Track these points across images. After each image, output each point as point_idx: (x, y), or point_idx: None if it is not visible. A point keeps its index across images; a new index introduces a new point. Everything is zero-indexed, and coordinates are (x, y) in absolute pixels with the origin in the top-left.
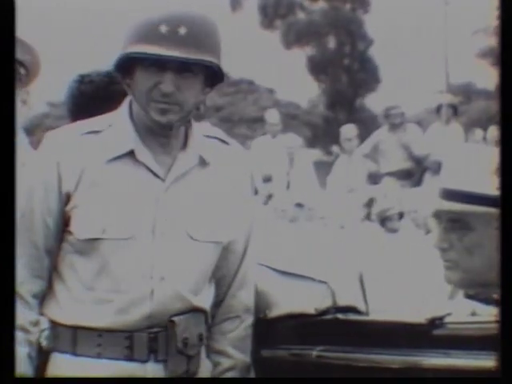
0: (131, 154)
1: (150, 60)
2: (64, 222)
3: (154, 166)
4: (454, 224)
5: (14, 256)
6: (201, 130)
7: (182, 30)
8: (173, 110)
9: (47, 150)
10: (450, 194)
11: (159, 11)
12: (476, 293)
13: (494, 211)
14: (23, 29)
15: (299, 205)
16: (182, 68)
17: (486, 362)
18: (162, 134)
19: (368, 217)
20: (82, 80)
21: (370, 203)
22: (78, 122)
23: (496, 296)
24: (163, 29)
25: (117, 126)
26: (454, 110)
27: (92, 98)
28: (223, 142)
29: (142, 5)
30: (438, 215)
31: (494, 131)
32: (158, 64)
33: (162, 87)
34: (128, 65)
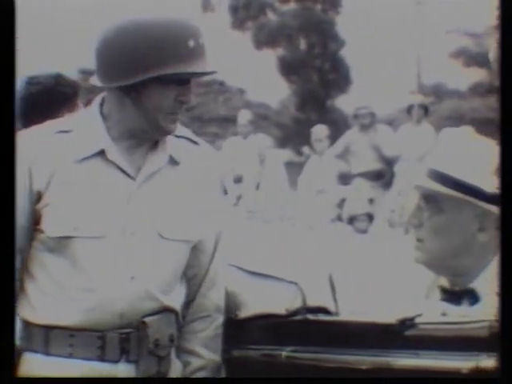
0: (102, 153)
1: (176, 75)
2: (35, 221)
3: (124, 166)
4: (426, 202)
5: (13, 256)
6: None
7: (201, 41)
8: (178, 119)
9: (19, 149)
10: (434, 175)
11: (146, 16)
12: (452, 283)
13: (468, 199)
14: (23, 29)
15: (274, 205)
16: (193, 78)
17: (457, 362)
18: (139, 137)
19: (339, 217)
20: (30, 82)
21: (340, 204)
22: (50, 122)
23: (471, 286)
24: (191, 43)
25: (87, 126)
26: (425, 111)
27: (39, 99)
28: (193, 142)
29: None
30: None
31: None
32: (180, 78)
33: (183, 99)
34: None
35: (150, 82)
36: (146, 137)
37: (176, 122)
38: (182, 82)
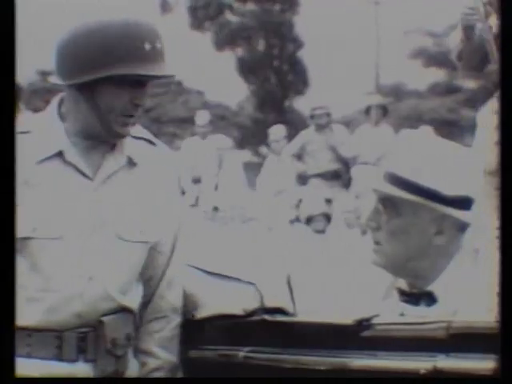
0: (60, 154)
1: (129, 76)
2: None
3: (82, 167)
4: (384, 206)
5: (13, 256)
6: None
7: (158, 45)
8: (132, 122)
9: None
10: (392, 178)
11: (106, 17)
12: (410, 285)
13: (425, 203)
14: (23, 28)
15: (232, 205)
16: (150, 81)
17: (414, 363)
18: (98, 138)
19: (297, 218)
20: None
21: (298, 204)
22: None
23: (428, 289)
24: (147, 46)
25: (46, 127)
26: (384, 111)
27: None
28: (150, 142)
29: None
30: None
31: (426, 130)
32: (136, 80)
33: (138, 102)
34: (93, 80)
35: (104, 82)
36: (102, 138)
37: (129, 125)
38: (137, 84)
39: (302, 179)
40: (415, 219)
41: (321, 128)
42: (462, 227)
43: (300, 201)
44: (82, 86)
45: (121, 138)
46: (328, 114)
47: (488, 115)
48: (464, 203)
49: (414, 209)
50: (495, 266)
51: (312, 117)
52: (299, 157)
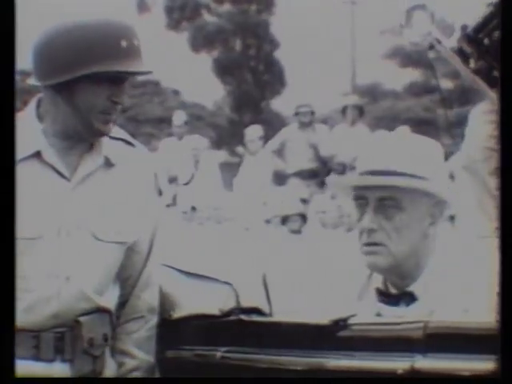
0: (38, 154)
1: (106, 74)
2: None
3: (60, 167)
4: (383, 203)
5: (13, 256)
6: None
7: (135, 42)
8: (112, 119)
9: None
10: (378, 173)
11: (77, 15)
12: (388, 286)
13: (423, 187)
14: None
15: (209, 206)
16: (127, 78)
17: (391, 363)
18: (74, 138)
19: (273, 218)
20: None
21: (274, 204)
22: None
23: (409, 289)
24: (124, 43)
25: (24, 127)
26: (360, 111)
27: None
28: (128, 143)
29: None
30: (363, 196)
31: (403, 130)
32: (113, 77)
33: (116, 99)
34: (72, 80)
35: (82, 81)
36: (80, 138)
37: (109, 122)
38: (115, 81)
39: (279, 179)
40: (416, 211)
41: (304, 126)
42: (444, 216)
43: (276, 201)
44: (61, 87)
45: (102, 136)
46: (312, 113)
47: (479, 115)
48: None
49: (414, 200)
50: (495, 266)
51: (296, 114)
52: (279, 153)
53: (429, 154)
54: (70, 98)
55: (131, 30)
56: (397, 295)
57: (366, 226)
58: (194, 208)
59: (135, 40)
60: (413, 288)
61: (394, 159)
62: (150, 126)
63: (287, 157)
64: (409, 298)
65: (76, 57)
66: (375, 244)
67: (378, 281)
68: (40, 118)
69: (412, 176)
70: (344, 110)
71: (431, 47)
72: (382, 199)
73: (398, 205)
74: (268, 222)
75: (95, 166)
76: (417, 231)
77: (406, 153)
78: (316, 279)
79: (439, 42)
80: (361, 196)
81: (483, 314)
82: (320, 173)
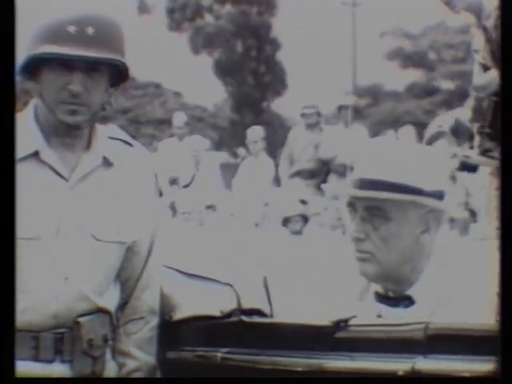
0: (36, 154)
1: (58, 60)
2: None
3: (58, 167)
4: (370, 213)
5: (13, 256)
6: (105, 131)
7: (90, 30)
8: (80, 111)
9: None
10: (367, 183)
11: (66, 12)
12: (387, 290)
13: (412, 200)
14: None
15: (209, 207)
16: (90, 68)
17: (392, 364)
18: (67, 134)
19: (274, 219)
20: None
21: (274, 205)
22: None
23: (407, 293)
24: (71, 29)
25: (22, 128)
26: (360, 112)
27: None
28: (127, 143)
29: (50, 5)
30: (353, 204)
31: (405, 131)
32: (66, 64)
33: (71, 87)
34: (35, 66)
35: (42, 70)
36: (62, 133)
37: (74, 113)
38: (68, 68)
39: (279, 180)
40: (404, 221)
41: (311, 127)
42: (442, 221)
43: (276, 202)
44: (30, 76)
45: (70, 128)
46: (318, 114)
47: None
48: (439, 195)
49: (402, 210)
50: (495, 266)
51: (302, 115)
52: (290, 158)
53: (425, 163)
54: (39, 88)
55: (93, 18)
56: (395, 298)
57: (353, 235)
58: (194, 209)
59: (92, 28)
60: (410, 292)
61: (386, 167)
62: (151, 128)
63: (294, 156)
64: (407, 301)
65: (31, 40)
66: (364, 252)
67: (377, 284)
68: (37, 117)
69: (403, 187)
70: (343, 110)
71: None
72: (369, 209)
73: (385, 215)
74: (268, 222)
75: (93, 165)
76: (407, 239)
77: (400, 161)
78: (316, 280)
79: None
80: (351, 203)
81: (483, 315)
82: (319, 173)
